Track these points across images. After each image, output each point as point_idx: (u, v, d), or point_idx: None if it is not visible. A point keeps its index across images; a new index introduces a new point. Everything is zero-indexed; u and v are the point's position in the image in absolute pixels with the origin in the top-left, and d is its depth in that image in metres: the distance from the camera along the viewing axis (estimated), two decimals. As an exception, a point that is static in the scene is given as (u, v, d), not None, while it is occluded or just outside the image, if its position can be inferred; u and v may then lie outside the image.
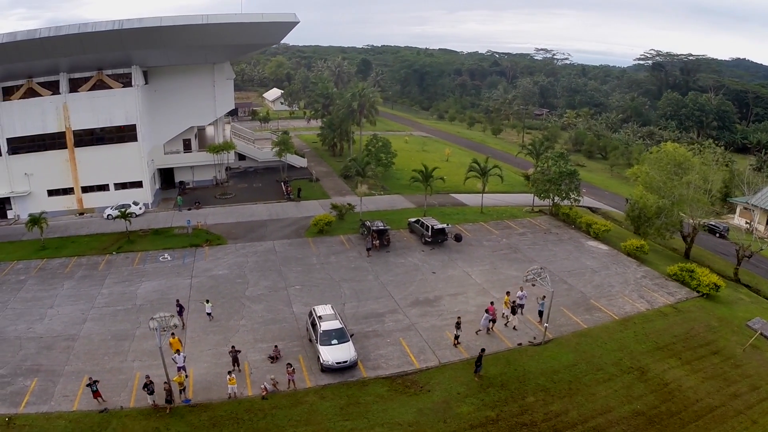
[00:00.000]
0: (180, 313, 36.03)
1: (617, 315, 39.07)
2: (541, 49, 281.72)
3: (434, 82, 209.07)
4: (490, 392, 29.88)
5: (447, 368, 32.14)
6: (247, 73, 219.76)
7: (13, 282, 44.42)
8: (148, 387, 27.92)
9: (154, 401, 28.25)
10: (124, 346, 34.36)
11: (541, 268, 35.70)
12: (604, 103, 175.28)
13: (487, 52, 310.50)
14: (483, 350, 31.47)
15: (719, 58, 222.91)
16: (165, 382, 28.07)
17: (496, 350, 33.56)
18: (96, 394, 28.21)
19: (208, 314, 37.50)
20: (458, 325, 34.22)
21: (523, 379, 31.14)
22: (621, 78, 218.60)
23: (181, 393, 28.99)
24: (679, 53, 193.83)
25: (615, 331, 36.95)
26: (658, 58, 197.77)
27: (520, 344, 34.66)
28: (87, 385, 28.49)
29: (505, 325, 36.73)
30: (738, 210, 73.85)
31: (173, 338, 31.31)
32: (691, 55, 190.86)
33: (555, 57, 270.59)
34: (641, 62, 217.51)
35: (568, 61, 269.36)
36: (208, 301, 38.00)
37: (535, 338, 35.34)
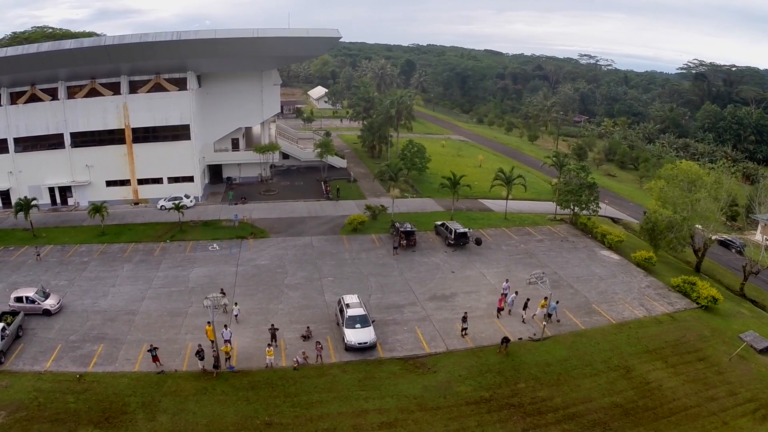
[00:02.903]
0: None
1: (615, 319, 42.07)
2: (585, 55, 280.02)
3: (476, 85, 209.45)
4: (487, 377, 34.15)
5: (453, 354, 36.51)
6: (293, 69, 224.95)
7: (77, 263, 50.18)
8: (199, 354, 33.14)
9: (203, 366, 33.42)
10: (178, 321, 39.77)
11: (543, 273, 39.64)
12: (643, 112, 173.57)
13: (531, 55, 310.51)
14: (506, 338, 36.92)
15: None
16: (213, 350, 33.38)
17: (499, 343, 37.28)
18: (155, 358, 33.49)
19: (235, 316, 39.81)
20: (464, 319, 38.54)
21: (518, 368, 35.18)
22: (664, 86, 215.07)
23: (226, 361, 34.08)
24: (722, 64, 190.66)
25: (610, 333, 40.08)
26: (701, 68, 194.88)
27: (520, 339, 38.59)
28: (148, 351, 33.79)
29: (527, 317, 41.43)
30: (760, 226, 74.59)
31: (209, 326, 34.48)
32: (734, 66, 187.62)
33: (599, 63, 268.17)
34: (684, 71, 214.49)
35: (611, 67, 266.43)
36: (236, 304, 40.44)
37: (535, 335, 39.17)
